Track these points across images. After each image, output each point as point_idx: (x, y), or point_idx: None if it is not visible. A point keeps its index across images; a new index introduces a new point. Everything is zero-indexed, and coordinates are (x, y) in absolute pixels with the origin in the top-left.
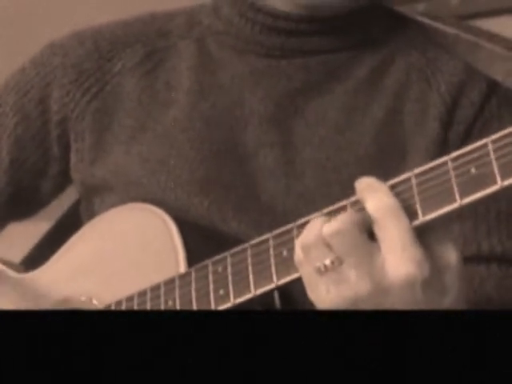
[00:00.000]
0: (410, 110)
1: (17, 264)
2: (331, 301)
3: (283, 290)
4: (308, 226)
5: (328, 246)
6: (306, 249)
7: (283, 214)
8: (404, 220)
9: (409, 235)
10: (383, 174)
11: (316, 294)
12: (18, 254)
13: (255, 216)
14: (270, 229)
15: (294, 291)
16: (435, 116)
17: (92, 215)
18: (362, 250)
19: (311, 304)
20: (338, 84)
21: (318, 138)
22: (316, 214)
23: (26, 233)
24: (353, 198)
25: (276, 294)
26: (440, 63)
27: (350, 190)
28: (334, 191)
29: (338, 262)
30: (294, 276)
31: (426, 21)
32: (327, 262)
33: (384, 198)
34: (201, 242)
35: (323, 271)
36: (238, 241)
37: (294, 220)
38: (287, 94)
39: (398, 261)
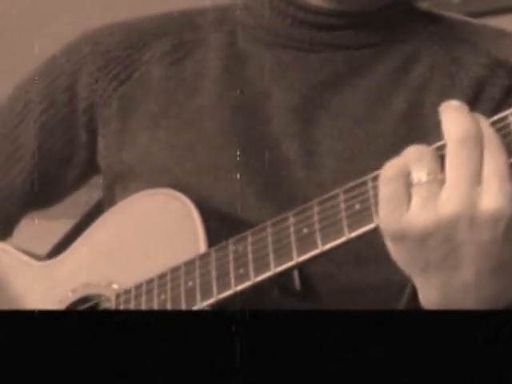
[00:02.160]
0: (431, 103)
1: (37, 254)
2: (412, 220)
3: (303, 272)
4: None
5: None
6: (412, 160)
7: (303, 204)
8: (505, 153)
9: (508, 169)
10: None
11: (396, 214)
12: (40, 251)
13: (276, 204)
14: None
15: (313, 274)
16: None
17: (114, 204)
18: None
19: (331, 284)
20: (363, 79)
21: (338, 129)
22: (337, 191)
23: (50, 230)
24: (373, 174)
25: (296, 276)
26: (464, 61)
27: None
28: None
29: (435, 177)
30: (314, 253)
31: (451, 14)
32: (424, 176)
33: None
34: (222, 228)
35: (417, 184)
36: None
37: None
38: (313, 86)
39: (494, 194)
